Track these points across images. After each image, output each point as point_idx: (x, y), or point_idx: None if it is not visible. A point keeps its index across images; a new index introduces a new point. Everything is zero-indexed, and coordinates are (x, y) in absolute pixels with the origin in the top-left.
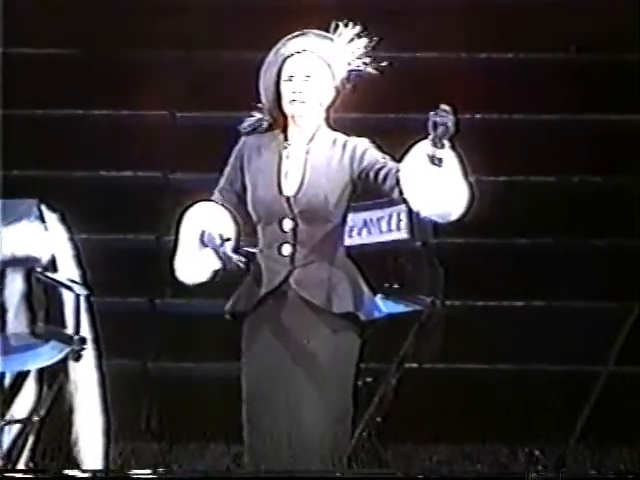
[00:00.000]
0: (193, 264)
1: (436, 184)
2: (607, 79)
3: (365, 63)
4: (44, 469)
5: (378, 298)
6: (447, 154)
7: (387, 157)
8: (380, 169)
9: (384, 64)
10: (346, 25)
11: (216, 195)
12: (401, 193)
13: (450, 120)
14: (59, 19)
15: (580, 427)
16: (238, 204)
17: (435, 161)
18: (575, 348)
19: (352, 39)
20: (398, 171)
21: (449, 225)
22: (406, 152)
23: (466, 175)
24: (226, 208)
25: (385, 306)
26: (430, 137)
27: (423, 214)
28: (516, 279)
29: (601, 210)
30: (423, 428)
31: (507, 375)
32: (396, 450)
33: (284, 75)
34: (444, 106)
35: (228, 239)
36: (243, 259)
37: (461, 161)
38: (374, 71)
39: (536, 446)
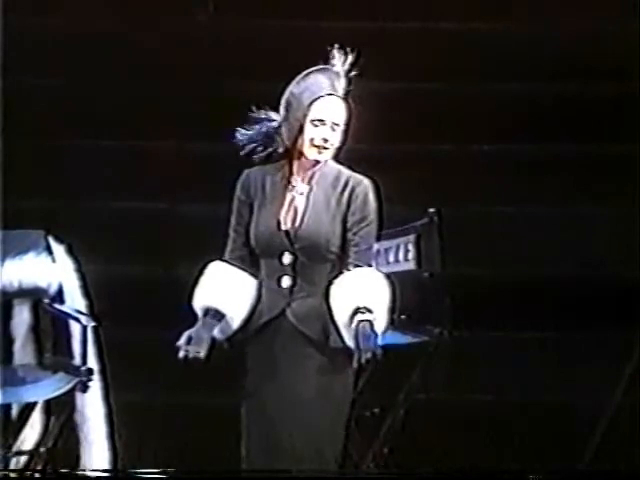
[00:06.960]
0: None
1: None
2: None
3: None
4: None
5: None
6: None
7: (366, 226)
8: (349, 242)
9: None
10: (346, 53)
11: (230, 243)
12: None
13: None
14: (63, 47)
15: (588, 458)
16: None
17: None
18: (584, 380)
19: (352, 68)
20: (347, 266)
21: (457, 255)
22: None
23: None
24: (239, 265)
25: (392, 337)
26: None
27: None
28: (524, 310)
29: (611, 241)
30: (430, 459)
31: (515, 406)
32: None
33: (311, 116)
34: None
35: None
36: (200, 353)
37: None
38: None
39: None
